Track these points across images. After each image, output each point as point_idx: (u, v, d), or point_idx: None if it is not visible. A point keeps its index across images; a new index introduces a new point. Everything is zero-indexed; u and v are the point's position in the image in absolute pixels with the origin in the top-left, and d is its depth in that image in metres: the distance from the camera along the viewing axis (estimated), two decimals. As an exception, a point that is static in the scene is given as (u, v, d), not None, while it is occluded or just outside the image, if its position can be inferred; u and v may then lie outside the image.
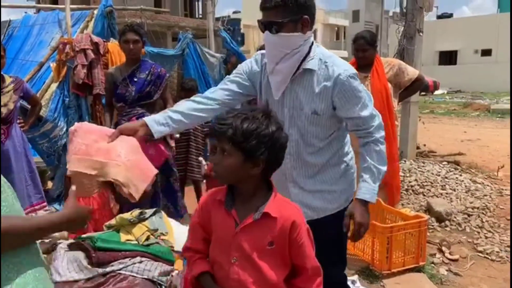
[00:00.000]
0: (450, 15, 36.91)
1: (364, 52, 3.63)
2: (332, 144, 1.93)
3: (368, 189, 1.83)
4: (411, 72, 3.80)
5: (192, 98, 2.05)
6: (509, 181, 5.33)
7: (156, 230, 2.40)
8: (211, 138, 1.46)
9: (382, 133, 1.88)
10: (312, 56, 1.81)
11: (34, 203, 3.44)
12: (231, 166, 1.35)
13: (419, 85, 3.98)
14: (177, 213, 3.70)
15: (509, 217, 4.19)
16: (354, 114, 1.82)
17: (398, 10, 5.55)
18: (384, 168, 1.86)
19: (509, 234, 3.81)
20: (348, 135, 2.04)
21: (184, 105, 2.04)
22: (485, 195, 4.73)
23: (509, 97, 17.00)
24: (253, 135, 1.32)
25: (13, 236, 1.05)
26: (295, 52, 1.77)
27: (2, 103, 3.16)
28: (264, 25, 1.79)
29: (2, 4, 6.23)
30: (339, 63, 1.82)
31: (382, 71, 3.68)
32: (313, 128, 1.85)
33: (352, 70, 1.83)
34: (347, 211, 1.85)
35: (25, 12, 7.95)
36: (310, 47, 1.81)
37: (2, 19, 6.18)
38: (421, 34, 5.29)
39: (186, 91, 4.28)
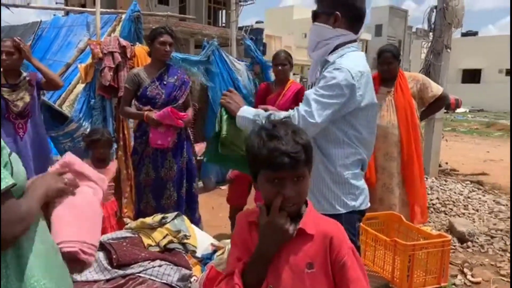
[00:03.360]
0: (475, 33, 36.49)
1: (389, 65, 3.60)
2: (323, 139, 1.88)
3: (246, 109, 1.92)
4: (435, 88, 3.73)
5: None
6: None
7: (179, 231, 2.39)
8: (277, 171, 1.19)
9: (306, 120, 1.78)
10: (338, 51, 1.90)
11: None
12: (307, 188, 1.26)
13: (442, 103, 3.91)
14: (194, 220, 3.69)
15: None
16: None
17: (422, 26, 5.48)
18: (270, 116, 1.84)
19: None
20: (353, 149, 1.90)
21: None
22: (509, 218, 4.59)
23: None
24: (309, 145, 1.26)
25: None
26: (325, 43, 1.91)
27: (18, 97, 3.20)
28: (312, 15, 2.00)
29: (34, 5, 6.41)
30: (346, 62, 1.83)
31: (406, 86, 3.63)
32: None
33: (342, 68, 1.79)
34: None
35: (54, 14, 8.16)
36: (343, 45, 1.90)
37: (33, 20, 6.34)
38: (448, 50, 5.22)
39: None
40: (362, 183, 1.96)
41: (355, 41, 1.93)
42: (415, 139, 3.63)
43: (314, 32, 1.95)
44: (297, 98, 3.91)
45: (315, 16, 1.94)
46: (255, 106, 4.28)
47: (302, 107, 1.80)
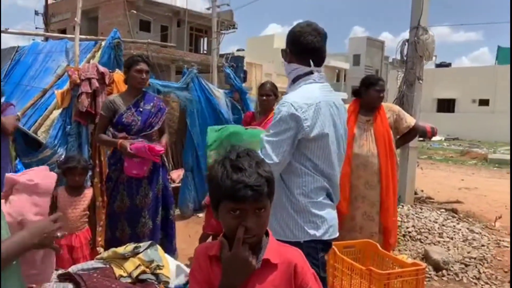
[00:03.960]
0: (448, 65, 37.78)
1: (383, 92, 3.72)
2: (284, 169, 1.93)
3: None
4: (409, 119, 3.86)
5: None
6: (506, 232, 5.28)
7: (152, 261, 2.34)
8: (239, 203, 1.19)
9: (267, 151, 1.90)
10: (295, 84, 2.05)
11: None
12: (268, 219, 1.27)
13: (414, 134, 4.05)
14: (171, 247, 3.63)
15: (506, 269, 4.12)
16: None
17: (398, 57, 5.66)
18: None
19: (507, 286, 3.73)
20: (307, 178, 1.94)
21: None
22: (483, 245, 4.67)
23: (507, 147, 17.13)
24: (272, 177, 1.26)
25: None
26: (288, 77, 2.11)
27: None
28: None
29: (12, 30, 6.37)
30: (289, 95, 2.00)
31: (384, 115, 3.74)
32: None
33: (286, 102, 1.92)
34: None
35: (33, 39, 8.11)
36: (301, 77, 2.03)
37: (11, 45, 6.29)
38: (420, 81, 5.39)
39: None
40: (326, 213, 1.97)
41: (311, 72, 2.02)
42: (392, 168, 3.70)
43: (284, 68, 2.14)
44: None
45: (282, 54, 2.12)
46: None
47: (261, 151, 1.88)
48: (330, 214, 2.00)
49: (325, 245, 1.98)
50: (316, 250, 1.92)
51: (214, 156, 2.72)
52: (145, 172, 3.34)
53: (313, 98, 1.94)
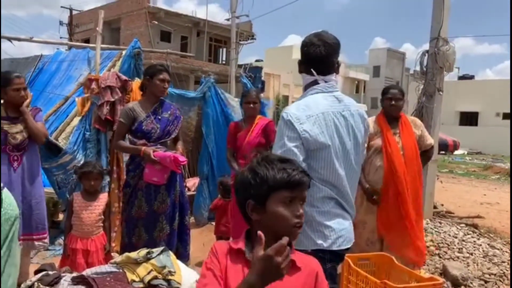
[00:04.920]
0: (472, 77, 37.21)
1: (397, 101, 3.56)
2: None
3: None
4: (430, 138, 3.74)
5: None
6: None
7: (164, 267, 2.35)
8: (294, 190, 1.32)
9: None
10: (303, 94, 2.09)
11: (34, 232, 3.41)
12: None
13: (430, 156, 3.87)
14: (185, 253, 3.64)
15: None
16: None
17: (418, 68, 5.59)
18: None
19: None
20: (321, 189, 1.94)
21: None
22: (503, 262, 4.53)
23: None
24: None
25: None
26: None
27: (18, 130, 3.23)
28: None
29: (37, 39, 6.56)
30: (289, 106, 2.07)
31: (410, 127, 3.61)
32: None
33: (285, 114, 1.95)
34: None
35: (57, 49, 8.35)
36: (310, 86, 2.07)
37: (35, 53, 6.47)
38: (440, 93, 5.31)
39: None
40: (334, 223, 1.94)
41: (317, 82, 2.04)
42: (420, 180, 3.57)
43: None
44: (265, 132, 4.08)
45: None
46: (227, 144, 4.34)
47: None
48: (341, 224, 1.96)
49: (334, 255, 1.94)
50: (324, 260, 1.88)
51: None
52: (165, 179, 3.38)
53: (314, 109, 1.95)
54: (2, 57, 6.26)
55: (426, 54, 5.37)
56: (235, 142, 4.13)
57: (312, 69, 2.03)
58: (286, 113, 1.94)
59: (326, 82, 2.04)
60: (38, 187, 3.42)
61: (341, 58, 2.20)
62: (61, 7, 28.66)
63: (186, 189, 5.43)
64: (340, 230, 1.95)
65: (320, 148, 1.91)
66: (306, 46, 2.04)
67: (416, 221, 3.54)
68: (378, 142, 3.53)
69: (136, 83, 4.72)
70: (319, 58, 2.02)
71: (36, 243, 3.39)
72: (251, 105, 4.09)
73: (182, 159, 3.32)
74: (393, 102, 3.55)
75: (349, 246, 2.01)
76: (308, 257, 1.40)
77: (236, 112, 5.87)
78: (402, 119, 3.62)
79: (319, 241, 1.90)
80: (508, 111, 29.56)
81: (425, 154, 3.75)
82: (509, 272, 4.30)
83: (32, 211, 3.36)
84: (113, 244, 3.73)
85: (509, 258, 4.68)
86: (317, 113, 1.93)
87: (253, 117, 4.13)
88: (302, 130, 1.88)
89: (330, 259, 1.92)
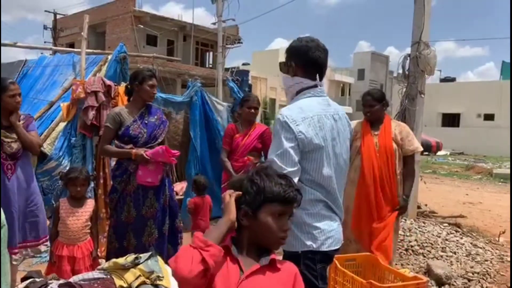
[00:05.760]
0: (453, 79, 37.83)
1: (370, 107, 3.66)
2: None
3: None
4: (415, 145, 3.70)
5: None
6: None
7: (152, 272, 2.36)
8: (285, 205, 1.46)
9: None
10: (295, 98, 2.12)
11: (30, 239, 3.39)
12: None
13: (412, 164, 3.79)
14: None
15: (509, 284, 4.08)
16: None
17: (400, 71, 5.69)
18: None
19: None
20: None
21: None
22: (486, 260, 4.64)
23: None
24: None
25: None
26: (289, 91, 2.17)
27: (13, 139, 3.20)
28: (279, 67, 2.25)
29: (21, 44, 6.50)
30: (284, 109, 2.08)
31: (389, 130, 3.68)
32: None
33: (281, 116, 2.00)
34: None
35: (41, 53, 8.26)
36: (304, 90, 2.09)
37: (20, 58, 6.40)
38: (422, 95, 5.42)
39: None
40: (324, 224, 1.99)
41: (316, 86, 2.09)
42: (392, 182, 3.64)
43: (282, 81, 2.25)
44: (262, 139, 4.21)
45: (281, 67, 2.19)
46: (223, 144, 4.42)
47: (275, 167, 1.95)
48: (329, 226, 2.01)
49: (324, 256, 1.99)
50: (314, 261, 1.94)
51: None
52: (159, 180, 3.37)
53: (308, 112, 1.99)
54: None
55: (408, 58, 5.48)
56: (231, 143, 4.22)
57: (318, 75, 2.08)
58: (281, 115, 1.98)
59: (321, 87, 2.12)
60: (35, 193, 3.40)
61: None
62: (45, 11, 28.32)
63: (174, 193, 5.43)
64: (329, 231, 2.00)
65: (314, 149, 1.96)
66: (309, 51, 2.06)
67: (388, 222, 3.62)
68: (357, 143, 3.64)
69: (122, 87, 4.72)
70: (321, 63, 2.09)
71: (41, 247, 3.41)
72: (252, 111, 4.23)
73: (173, 151, 3.34)
74: (367, 109, 3.69)
75: (338, 247, 2.06)
76: (286, 261, 1.52)
77: (223, 117, 5.91)
78: (385, 122, 3.70)
79: (309, 242, 1.95)
80: (489, 112, 30.20)
81: (407, 164, 3.71)
82: (492, 270, 4.41)
83: (33, 218, 3.35)
84: (102, 249, 3.71)
85: (492, 257, 4.80)
86: (311, 116, 1.98)
87: (251, 121, 4.25)
88: (298, 131, 1.92)
89: (320, 259, 1.97)
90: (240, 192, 1.44)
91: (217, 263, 1.31)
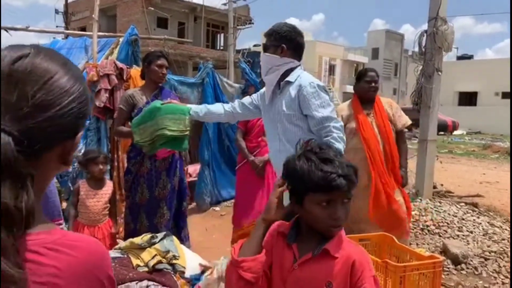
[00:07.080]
0: (471, 57, 36.98)
1: (375, 83, 3.69)
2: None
3: None
4: (405, 120, 3.78)
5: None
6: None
7: (168, 251, 2.39)
8: (330, 193, 1.27)
9: (340, 134, 2.26)
10: (292, 74, 2.41)
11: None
12: (349, 209, 1.32)
13: (404, 137, 3.85)
14: (180, 238, 3.69)
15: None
16: (310, 113, 2.29)
17: (417, 49, 5.56)
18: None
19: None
20: None
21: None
22: (503, 239, 4.58)
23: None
24: (356, 167, 1.32)
25: None
26: (275, 69, 2.42)
27: None
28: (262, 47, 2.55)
29: (33, 28, 6.52)
30: (306, 78, 2.38)
31: (383, 108, 3.73)
32: (290, 126, 2.36)
33: (313, 82, 2.35)
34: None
35: (54, 37, 8.29)
36: (293, 69, 2.42)
37: (33, 43, 6.42)
38: (439, 73, 5.30)
39: None
40: None
41: (299, 65, 2.46)
42: (394, 159, 3.67)
43: (265, 61, 2.46)
44: None
45: (265, 48, 2.46)
46: (239, 124, 4.43)
47: (329, 126, 2.24)
48: None
49: None
50: None
51: (138, 134, 2.79)
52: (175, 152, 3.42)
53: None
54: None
55: (425, 35, 5.34)
56: (247, 123, 4.18)
57: (300, 56, 2.47)
58: (315, 81, 2.34)
59: None
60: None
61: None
62: (56, -5, 28.30)
63: (188, 175, 5.46)
64: None
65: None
66: (298, 36, 2.43)
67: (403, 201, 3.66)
68: (352, 124, 3.65)
69: (133, 70, 4.72)
70: (303, 48, 2.48)
71: None
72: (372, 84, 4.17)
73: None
74: (372, 84, 3.66)
75: None
76: (351, 246, 1.36)
77: (233, 99, 5.88)
78: (376, 100, 3.70)
79: None
80: (507, 90, 29.53)
81: (400, 138, 3.77)
82: (509, 249, 4.36)
83: (47, 199, 3.40)
84: (120, 229, 3.76)
85: (509, 236, 4.74)
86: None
87: None
88: (329, 88, 2.14)
89: None
90: (283, 188, 1.34)
91: (258, 271, 1.26)
